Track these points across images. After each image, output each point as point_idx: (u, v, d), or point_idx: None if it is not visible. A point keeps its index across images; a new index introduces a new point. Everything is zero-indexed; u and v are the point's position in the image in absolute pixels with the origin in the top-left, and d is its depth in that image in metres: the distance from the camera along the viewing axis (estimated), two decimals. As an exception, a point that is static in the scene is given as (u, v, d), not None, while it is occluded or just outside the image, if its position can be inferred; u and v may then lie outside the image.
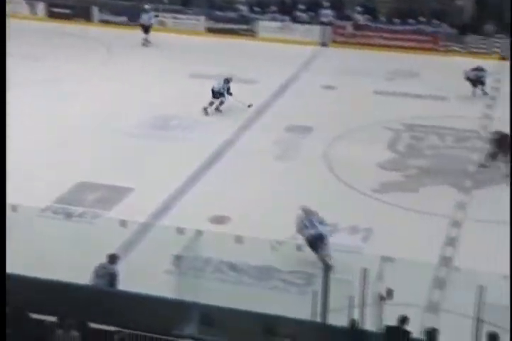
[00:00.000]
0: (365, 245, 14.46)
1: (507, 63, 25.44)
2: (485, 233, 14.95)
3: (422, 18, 27.44)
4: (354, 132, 19.94)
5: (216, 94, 20.86)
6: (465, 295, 10.63)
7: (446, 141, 19.66)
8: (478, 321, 10.01)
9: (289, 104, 21.91)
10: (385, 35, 27.32)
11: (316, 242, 13.38)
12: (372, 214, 15.69)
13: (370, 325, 10.30)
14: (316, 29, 27.96)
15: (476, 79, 22.20)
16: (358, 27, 27.66)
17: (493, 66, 23.92)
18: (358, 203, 16.22)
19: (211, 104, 20.93)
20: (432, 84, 23.23)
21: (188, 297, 11.13)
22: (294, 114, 20.97)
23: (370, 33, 27.50)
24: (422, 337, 10.21)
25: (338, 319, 10.46)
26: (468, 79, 22.21)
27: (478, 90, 22.39)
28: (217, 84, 20.94)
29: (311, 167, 17.70)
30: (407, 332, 10.25)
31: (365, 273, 10.18)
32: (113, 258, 12.05)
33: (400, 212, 15.86)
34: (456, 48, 26.61)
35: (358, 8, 28.14)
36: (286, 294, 12.95)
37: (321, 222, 13.61)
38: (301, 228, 13.57)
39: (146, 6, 27.74)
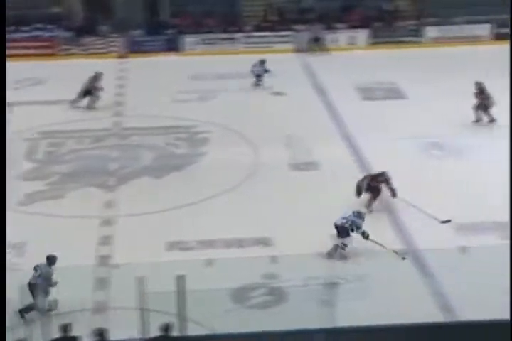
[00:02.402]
0: (23, 260, 14.11)
1: (125, 60, 26.34)
2: (139, 226, 15.41)
3: (37, 24, 27.20)
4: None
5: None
6: (128, 289, 10.92)
7: (85, 143, 19.83)
8: (144, 311, 10.37)
9: None
10: (1, 44, 26.66)
11: None
12: (24, 227, 15.33)
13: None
14: None
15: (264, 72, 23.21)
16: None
17: (111, 64, 24.60)
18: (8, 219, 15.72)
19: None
20: (59, 89, 23.19)
21: None
22: None
23: (-15, 44, 26.63)
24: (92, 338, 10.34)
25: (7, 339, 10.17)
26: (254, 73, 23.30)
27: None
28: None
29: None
30: (75, 338, 10.28)
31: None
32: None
33: (50, 221, 15.68)
34: (76, 51, 26.86)
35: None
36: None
37: None
38: None
39: None
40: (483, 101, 19.91)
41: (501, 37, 27.68)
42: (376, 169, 17.23)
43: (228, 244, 14.63)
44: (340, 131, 20.08)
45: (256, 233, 14.88)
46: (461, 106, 20.85)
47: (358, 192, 15.90)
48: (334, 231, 14.31)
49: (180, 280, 10.16)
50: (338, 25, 27.87)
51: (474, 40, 27.84)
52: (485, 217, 15.21)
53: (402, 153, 18.47)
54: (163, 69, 25.17)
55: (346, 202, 15.70)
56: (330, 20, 27.77)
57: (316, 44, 27.20)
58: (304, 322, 10.65)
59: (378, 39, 27.83)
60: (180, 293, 10.21)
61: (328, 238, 14.31)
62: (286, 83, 23.52)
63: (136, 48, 27.16)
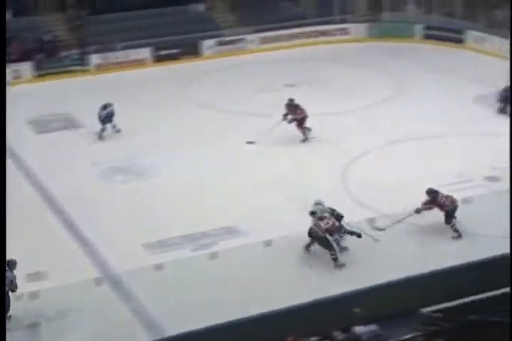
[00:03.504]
0: None
1: None
2: None
3: None
4: None
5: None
6: None
7: None
8: None
9: None
10: None
11: None
12: None
13: None
14: None
15: (106, 117, 21.38)
16: None
17: None
18: None
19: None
20: None
21: None
22: None
23: None
24: None
25: None
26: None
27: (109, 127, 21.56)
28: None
29: None
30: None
31: None
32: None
33: None
34: None
35: None
36: None
37: None
38: None
39: None
40: (297, 116, 20.70)
41: (161, 59, 29.14)
42: (65, 203, 17.25)
43: None
44: (18, 168, 19.62)
45: None
46: (130, 125, 21.71)
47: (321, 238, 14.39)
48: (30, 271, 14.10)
49: None
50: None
51: (138, 63, 28.84)
52: (174, 233, 15.86)
53: (86, 182, 18.62)
54: None
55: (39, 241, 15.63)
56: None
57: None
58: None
59: (43, 71, 27.65)
60: None
61: (23, 279, 14.02)
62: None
63: None
